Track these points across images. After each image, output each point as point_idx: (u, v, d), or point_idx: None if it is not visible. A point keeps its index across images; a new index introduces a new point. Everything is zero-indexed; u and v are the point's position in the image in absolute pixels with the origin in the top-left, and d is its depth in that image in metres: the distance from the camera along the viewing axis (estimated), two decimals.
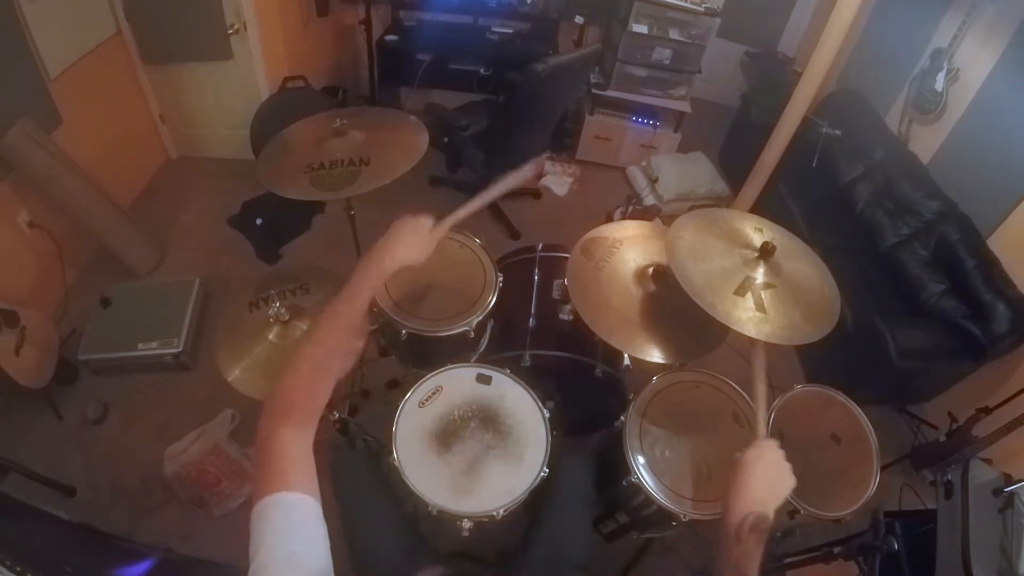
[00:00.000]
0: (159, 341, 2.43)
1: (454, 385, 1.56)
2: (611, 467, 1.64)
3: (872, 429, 1.64)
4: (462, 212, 1.17)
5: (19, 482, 1.99)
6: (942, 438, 2.36)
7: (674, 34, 3.45)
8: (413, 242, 1.01)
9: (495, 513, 1.32)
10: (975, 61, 2.73)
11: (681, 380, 1.70)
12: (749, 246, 1.52)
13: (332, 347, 0.86)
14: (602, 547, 1.94)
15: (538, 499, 1.41)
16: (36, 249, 2.52)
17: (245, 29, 2.95)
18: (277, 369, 1.48)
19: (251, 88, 3.17)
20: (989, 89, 2.66)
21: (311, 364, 0.82)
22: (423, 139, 1.74)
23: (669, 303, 1.62)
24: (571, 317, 1.80)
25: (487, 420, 1.50)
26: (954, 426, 2.34)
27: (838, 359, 2.46)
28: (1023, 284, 2.41)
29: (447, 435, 1.45)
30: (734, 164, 3.71)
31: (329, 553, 0.69)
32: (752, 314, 1.39)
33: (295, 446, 0.75)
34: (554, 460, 1.44)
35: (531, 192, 3.67)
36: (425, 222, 1.05)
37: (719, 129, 4.09)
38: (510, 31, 3.69)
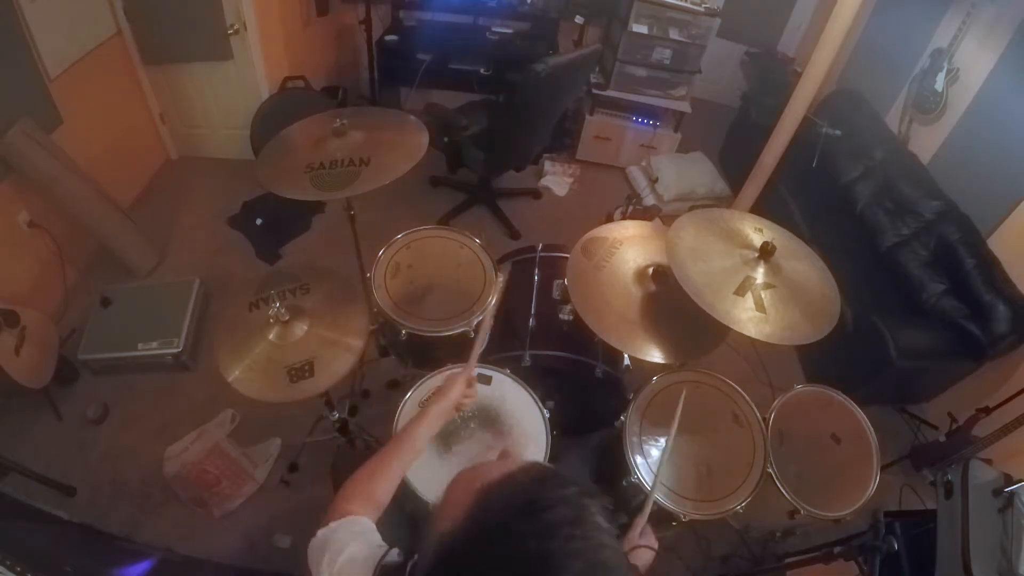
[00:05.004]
0: (159, 341, 2.43)
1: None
2: (611, 467, 1.65)
3: (872, 429, 1.65)
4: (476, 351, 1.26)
5: (19, 482, 2.00)
6: (942, 438, 2.36)
7: (674, 34, 3.45)
8: (461, 387, 1.16)
9: None
10: (975, 61, 2.73)
11: (681, 380, 1.70)
12: (749, 246, 1.52)
13: (396, 457, 1.02)
14: None
15: None
16: (36, 249, 2.52)
17: (245, 29, 2.95)
18: (279, 373, 1.49)
19: (251, 88, 3.17)
20: (989, 89, 2.66)
21: (374, 466, 0.98)
22: (423, 139, 1.74)
23: (669, 303, 1.62)
24: (571, 317, 1.80)
25: (487, 420, 1.50)
26: (954, 426, 2.34)
27: (838, 359, 2.46)
28: (1023, 284, 2.41)
29: (447, 435, 1.45)
30: (734, 164, 3.71)
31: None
32: (752, 314, 1.39)
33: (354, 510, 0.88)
34: (554, 460, 1.44)
35: (531, 192, 3.67)
36: (464, 373, 1.19)
37: (719, 129, 4.09)
38: (510, 31, 3.69)
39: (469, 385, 1.17)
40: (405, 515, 1.43)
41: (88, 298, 2.60)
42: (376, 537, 0.83)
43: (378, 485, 0.94)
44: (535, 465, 0.60)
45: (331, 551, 0.79)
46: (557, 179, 3.78)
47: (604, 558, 0.52)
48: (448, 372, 1.21)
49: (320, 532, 0.83)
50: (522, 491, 0.56)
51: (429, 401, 1.13)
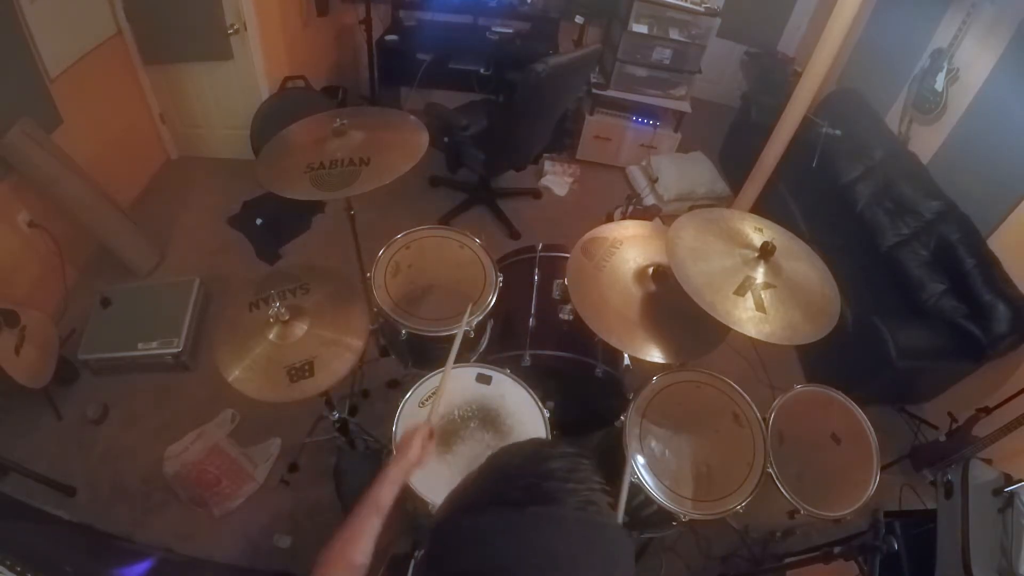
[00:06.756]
0: (159, 341, 2.43)
1: (454, 385, 1.56)
2: (611, 467, 1.64)
3: (872, 429, 1.64)
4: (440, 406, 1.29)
5: (19, 482, 2.00)
6: (942, 438, 2.36)
7: (674, 34, 3.45)
8: (422, 447, 1.19)
9: None
10: (975, 61, 2.73)
11: (681, 380, 1.70)
12: (749, 246, 1.52)
13: (365, 522, 1.04)
14: None
15: None
16: (36, 249, 2.52)
17: (245, 29, 2.95)
18: (279, 373, 1.49)
19: (251, 88, 3.17)
20: (989, 89, 2.66)
21: (345, 535, 0.99)
22: (423, 139, 1.74)
23: (669, 303, 1.62)
24: (571, 317, 1.80)
25: (487, 420, 1.50)
26: (954, 426, 2.34)
27: (838, 359, 2.46)
28: (1023, 284, 2.41)
29: (447, 435, 1.45)
30: (734, 164, 3.71)
31: None
32: (752, 314, 1.39)
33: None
34: None
35: (531, 192, 3.67)
36: (422, 429, 1.21)
37: (719, 129, 4.09)
38: (510, 31, 3.69)
39: (428, 439, 1.19)
40: (406, 513, 1.44)
41: (88, 298, 2.60)
42: None
43: (353, 552, 0.97)
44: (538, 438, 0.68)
45: None
46: (557, 179, 3.78)
47: (596, 500, 0.60)
48: (407, 426, 1.22)
49: None
50: (526, 447, 0.67)
51: (389, 462, 1.14)
